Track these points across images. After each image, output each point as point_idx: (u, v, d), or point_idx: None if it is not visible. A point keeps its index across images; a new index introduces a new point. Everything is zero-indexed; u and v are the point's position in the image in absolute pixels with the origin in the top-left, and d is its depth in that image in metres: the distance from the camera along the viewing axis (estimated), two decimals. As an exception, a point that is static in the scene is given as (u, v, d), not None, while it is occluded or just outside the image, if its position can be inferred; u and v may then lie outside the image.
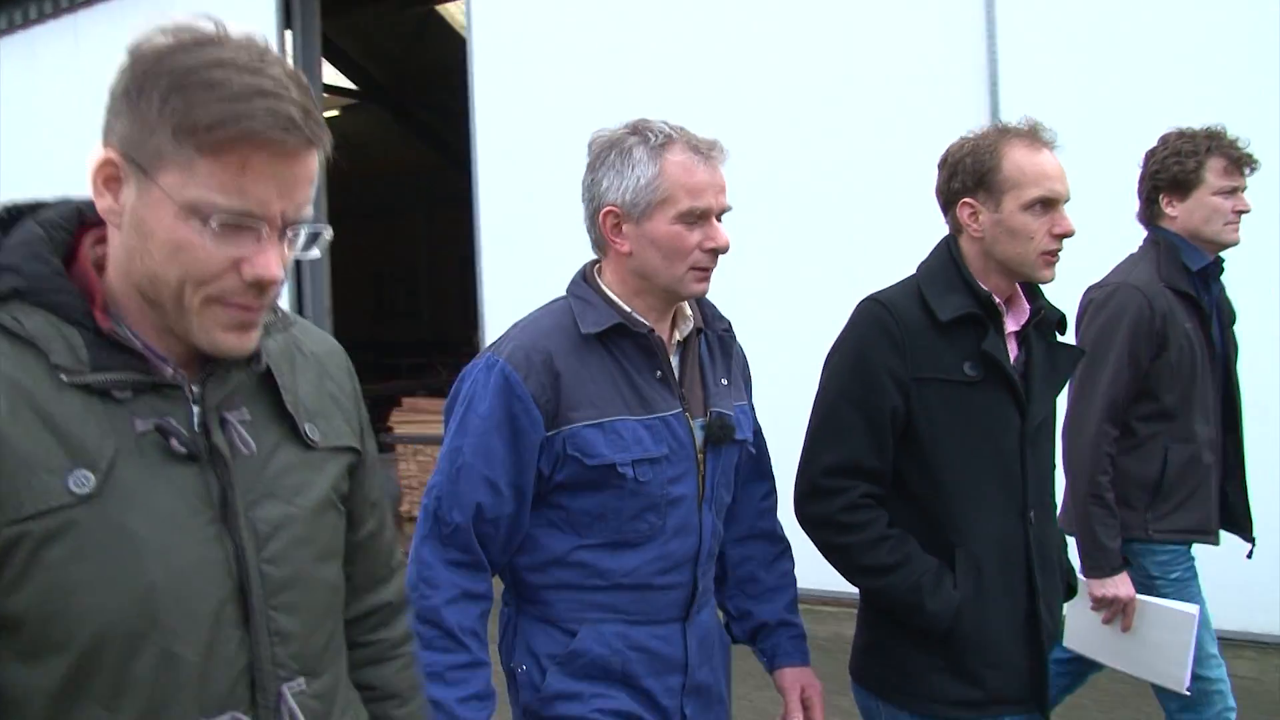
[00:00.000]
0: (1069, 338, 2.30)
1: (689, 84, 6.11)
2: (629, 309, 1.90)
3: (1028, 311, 2.16)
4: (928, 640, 2.05)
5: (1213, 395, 2.91)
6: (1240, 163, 2.84)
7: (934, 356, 2.05)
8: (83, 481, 1.04)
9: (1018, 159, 2.06)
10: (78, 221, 1.17)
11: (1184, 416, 2.84)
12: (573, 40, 6.72)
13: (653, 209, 1.83)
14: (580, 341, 1.86)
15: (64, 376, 1.06)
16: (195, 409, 1.14)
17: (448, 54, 11.64)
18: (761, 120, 5.90)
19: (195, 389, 1.14)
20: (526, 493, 1.86)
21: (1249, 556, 3.09)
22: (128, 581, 1.06)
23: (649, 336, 1.89)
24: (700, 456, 1.94)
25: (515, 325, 1.95)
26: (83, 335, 1.09)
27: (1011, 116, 5.25)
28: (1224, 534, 3.03)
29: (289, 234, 1.10)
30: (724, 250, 1.87)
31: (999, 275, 2.13)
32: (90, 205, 1.15)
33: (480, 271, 7.08)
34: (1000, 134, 2.11)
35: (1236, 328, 3.07)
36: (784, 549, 2.19)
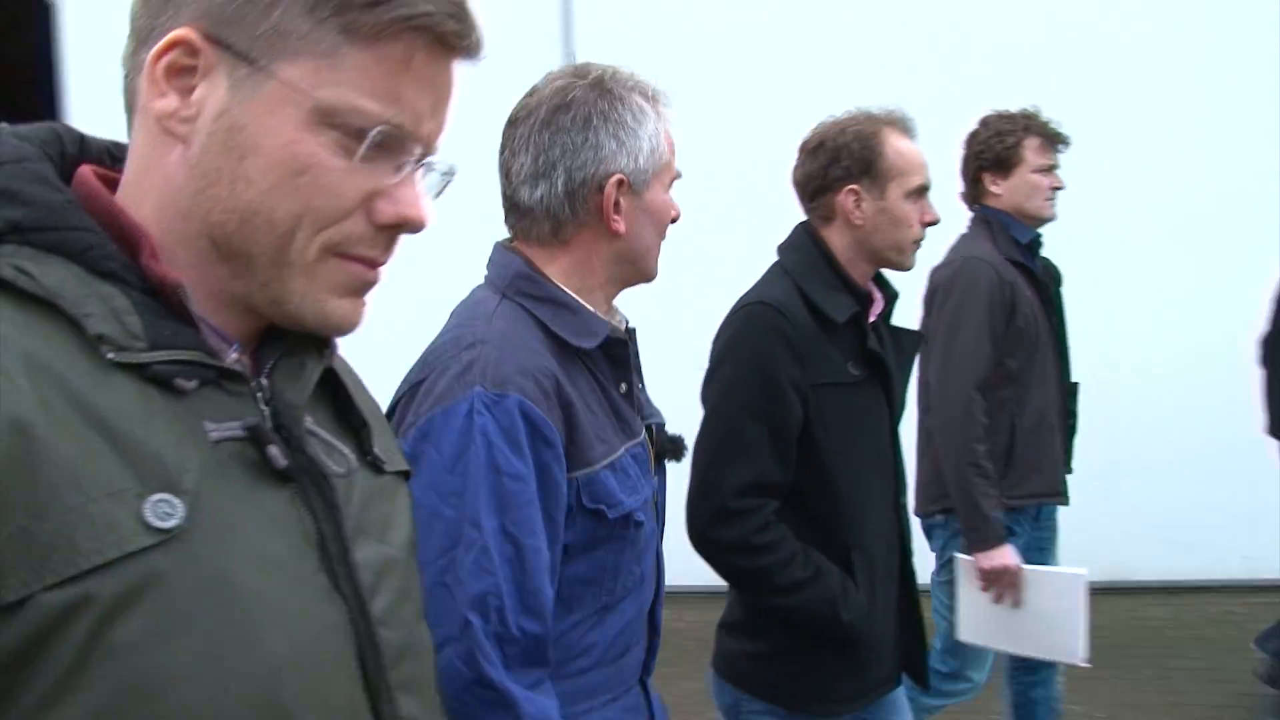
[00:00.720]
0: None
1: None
2: (590, 308, 1.52)
3: (880, 300, 2.15)
4: (834, 646, 1.99)
5: (1052, 359, 3.03)
6: (1054, 140, 3.00)
7: (825, 361, 1.99)
8: (167, 511, 0.67)
9: (898, 146, 2.07)
10: (59, 149, 0.81)
11: (1028, 382, 2.93)
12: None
13: (652, 175, 1.52)
14: (565, 357, 1.46)
15: (110, 354, 0.70)
16: (266, 410, 0.79)
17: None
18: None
19: (264, 382, 0.80)
20: (558, 564, 1.43)
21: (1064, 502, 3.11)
22: (244, 664, 0.70)
23: (625, 345, 1.54)
24: (655, 480, 1.62)
25: (469, 342, 1.42)
26: (127, 295, 0.73)
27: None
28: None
29: (421, 167, 0.81)
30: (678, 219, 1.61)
31: (865, 264, 2.11)
32: (69, 131, 0.82)
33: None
34: (874, 120, 2.10)
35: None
36: None
